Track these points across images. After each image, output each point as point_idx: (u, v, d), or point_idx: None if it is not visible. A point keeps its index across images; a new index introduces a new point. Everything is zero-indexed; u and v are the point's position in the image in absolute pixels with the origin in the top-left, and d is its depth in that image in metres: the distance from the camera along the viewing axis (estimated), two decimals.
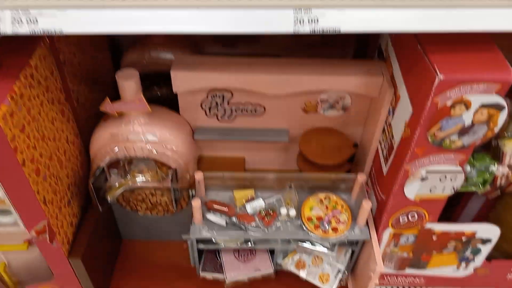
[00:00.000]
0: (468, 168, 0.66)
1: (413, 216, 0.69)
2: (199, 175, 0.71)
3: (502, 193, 0.72)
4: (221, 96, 0.74)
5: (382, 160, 0.70)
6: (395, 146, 0.64)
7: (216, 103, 0.75)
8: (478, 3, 0.47)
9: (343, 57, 0.94)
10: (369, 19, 0.47)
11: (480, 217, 0.82)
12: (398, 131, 0.63)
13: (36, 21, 0.43)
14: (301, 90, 0.72)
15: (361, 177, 0.72)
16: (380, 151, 0.71)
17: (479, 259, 0.77)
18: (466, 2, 0.47)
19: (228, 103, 0.75)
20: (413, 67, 0.58)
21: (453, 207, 0.83)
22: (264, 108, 0.76)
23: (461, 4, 0.47)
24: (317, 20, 0.46)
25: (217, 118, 0.77)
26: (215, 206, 0.71)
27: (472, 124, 0.55)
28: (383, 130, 0.70)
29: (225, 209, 0.70)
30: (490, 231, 0.72)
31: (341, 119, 0.78)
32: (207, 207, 0.72)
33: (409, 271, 0.80)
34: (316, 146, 0.75)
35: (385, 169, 0.68)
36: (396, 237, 0.72)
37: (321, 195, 0.75)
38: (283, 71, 0.70)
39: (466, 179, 0.67)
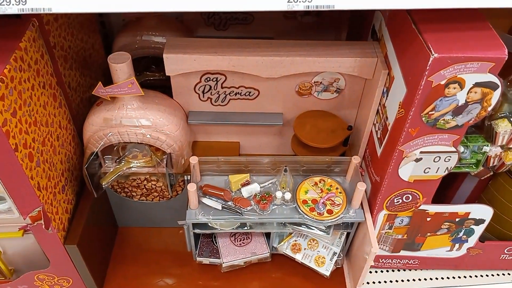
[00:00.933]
0: (461, 148, 0.67)
1: (407, 198, 0.69)
2: (194, 160, 0.71)
3: (495, 173, 0.73)
4: (215, 79, 0.73)
5: (376, 142, 0.70)
6: (389, 128, 0.64)
7: (210, 87, 0.75)
8: None
9: (336, 39, 0.93)
10: None
11: (473, 198, 0.83)
12: (392, 112, 0.63)
13: (25, 0, 0.42)
14: (295, 72, 0.71)
15: (356, 160, 0.72)
16: (374, 133, 0.71)
17: (472, 240, 0.77)
18: None
19: (221, 87, 0.75)
20: (408, 47, 0.57)
21: (446, 189, 0.83)
22: (258, 92, 0.76)
23: None
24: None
25: (211, 102, 0.77)
26: (211, 191, 0.71)
27: (466, 104, 0.55)
28: (377, 111, 0.70)
29: (221, 193, 0.70)
30: (483, 212, 0.73)
31: (335, 101, 0.78)
32: (203, 191, 0.72)
33: (403, 253, 0.81)
34: (311, 129, 0.75)
35: (379, 151, 0.68)
36: (390, 219, 0.73)
37: (316, 178, 0.75)
38: (276, 53, 0.70)
39: (460, 159, 0.67)
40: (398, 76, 0.61)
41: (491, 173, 0.72)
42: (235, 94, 0.76)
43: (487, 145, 0.67)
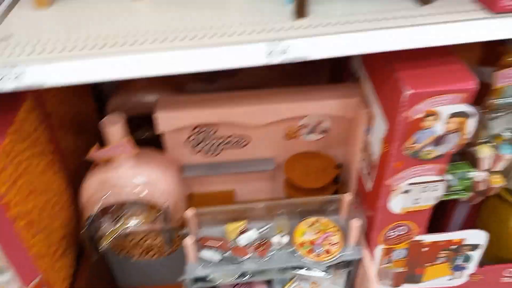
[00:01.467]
0: (448, 176, 0.69)
1: (401, 230, 0.70)
2: (190, 213, 0.72)
3: (486, 197, 0.74)
4: (206, 131, 0.76)
5: (365, 178, 0.72)
6: (375, 163, 0.66)
7: (201, 139, 0.77)
8: (436, 20, 0.51)
9: (319, 83, 0.97)
10: (335, 45, 0.51)
11: (468, 224, 0.84)
12: (376, 148, 0.65)
13: (20, 76, 0.45)
14: (282, 117, 0.75)
15: (347, 197, 0.74)
16: (362, 170, 0.73)
17: (471, 266, 0.78)
18: (425, 20, 0.51)
19: (213, 138, 0.77)
20: (384, 85, 0.61)
21: (441, 217, 0.84)
22: (248, 139, 0.78)
23: (421, 23, 0.51)
24: (287, 51, 0.49)
25: (203, 153, 0.79)
26: (209, 242, 0.71)
27: (445, 134, 0.58)
28: (363, 148, 0.72)
29: (219, 244, 0.71)
30: (477, 237, 0.74)
31: (322, 142, 0.80)
32: (201, 244, 0.73)
33: (406, 286, 0.81)
34: (301, 171, 0.77)
35: (369, 186, 0.70)
36: (388, 252, 0.74)
37: (311, 219, 0.76)
38: (263, 101, 0.74)
39: (448, 187, 0.69)
40: (378, 113, 0.64)
41: (482, 197, 0.73)
42: (226, 143, 0.79)
43: (473, 171, 0.69)
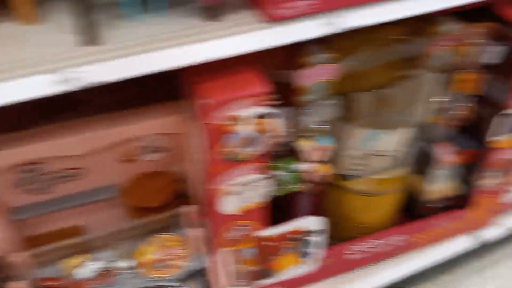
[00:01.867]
0: (278, 172, 0.74)
1: (243, 230, 0.74)
2: (19, 256, 0.68)
3: (323, 185, 0.81)
4: (33, 169, 0.73)
5: (201, 187, 0.75)
6: (204, 171, 0.69)
7: (30, 177, 0.74)
8: (222, 33, 0.55)
9: (159, 101, 0.99)
10: (124, 68, 0.53)
11: (316, 213, 0.91)
12: (204, 157, 0.68)
13: None
14: (113, 142, 0.75)
15: (187, 209, 0.76)
16: (199, 180, 0.76)
17: (319, 251, 0.84)
18: (211, 35, 0.55)
19: (43, 174, 0.74)
20: (193, 98, 0.64)
21: (288, 210, 0.90)
22: (83, 169, 0.77)
23: (207, 38, 0.55)
24: (73, 79, 0.50)
25: (35, 192, 0.76)
26: (47, 283, 0.68)
27: (253, 135, 0.63)
28: (196, 159, 0.75)
29: (58, 282, 0.68)
30: (316, 223, 0.80)
31: (163, 160, 0.82)
32: (39, 286, 0.69)
33: (264, 282, 0.84)
34: (140, 192, 0.78)
35: (205, 194, 0.73)
36: (237, 254, 0.77)
37: (155, 238, 0.76)
38: (90, 129, 0.73)
39: (280, 182, 0.74)
40: (200, 125, 0.67)
41: (320, 186, 0.80)
42: (59, 177, 0.76)
43: (298, 164, 0.75)
